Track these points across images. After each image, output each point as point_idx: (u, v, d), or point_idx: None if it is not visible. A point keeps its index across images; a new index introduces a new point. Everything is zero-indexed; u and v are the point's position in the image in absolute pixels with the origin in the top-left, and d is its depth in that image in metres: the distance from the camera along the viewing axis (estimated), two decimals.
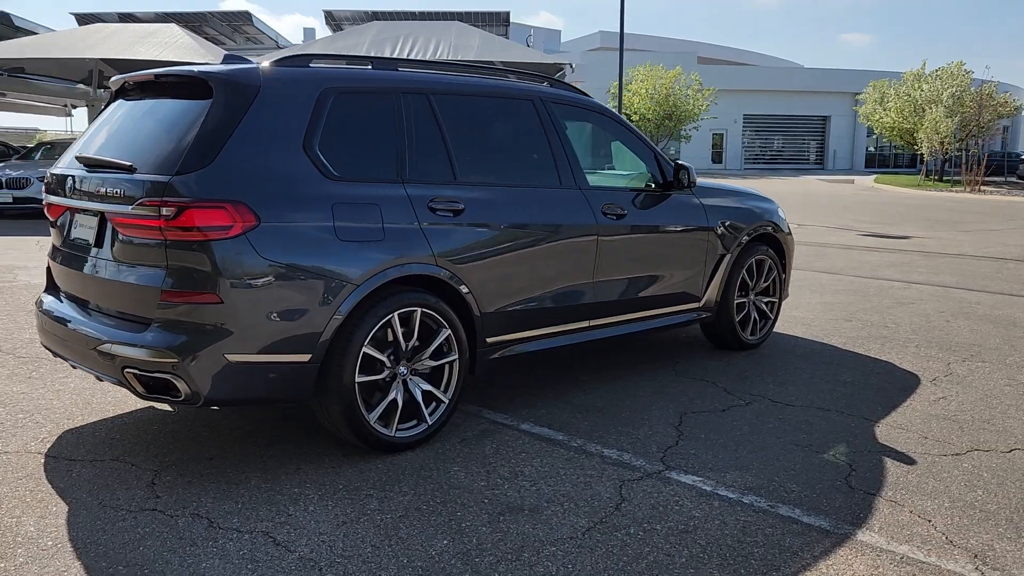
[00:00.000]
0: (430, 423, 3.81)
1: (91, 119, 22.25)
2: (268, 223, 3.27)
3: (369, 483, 3.42)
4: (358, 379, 3.51)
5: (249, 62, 3.73)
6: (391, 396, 3.66)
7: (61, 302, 3.85)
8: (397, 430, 3.68)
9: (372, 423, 3.58)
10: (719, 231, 5.38)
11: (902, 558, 2.87)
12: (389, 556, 2.84)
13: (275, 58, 3.69)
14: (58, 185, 3.81)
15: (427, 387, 3.80)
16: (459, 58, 18.30)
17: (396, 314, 3.62)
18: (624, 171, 5.81)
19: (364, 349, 3.51)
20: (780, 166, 51.72)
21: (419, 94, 3.95)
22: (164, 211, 3.17)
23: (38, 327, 3.93)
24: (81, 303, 3.73)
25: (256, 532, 3.00)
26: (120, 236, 3.42)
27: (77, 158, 3.75)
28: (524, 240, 4.18)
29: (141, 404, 4.33)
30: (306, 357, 3.37)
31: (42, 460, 3.64)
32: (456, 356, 3.88)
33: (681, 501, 3.28)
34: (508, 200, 4.18)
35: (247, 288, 3.22)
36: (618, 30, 25.35)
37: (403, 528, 3.04)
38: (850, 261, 10.41)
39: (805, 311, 7.06)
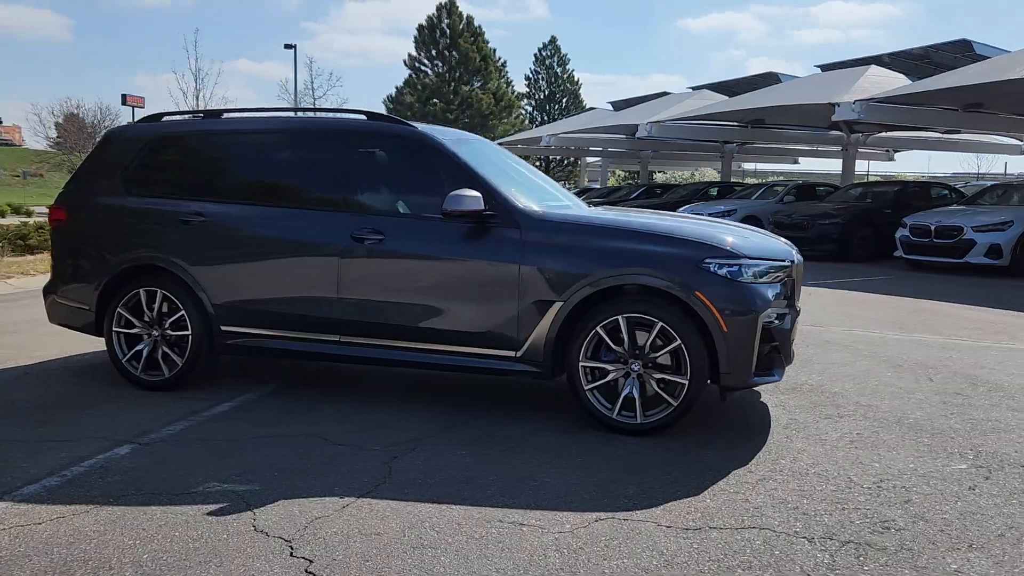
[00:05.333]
0: (167, 375, 5.13)
1: (845, 164, 23.64)
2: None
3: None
4: (114, 329, 5.22)
5: None
6: (141, 348, 5.18)
7: None
8: (144, 373, 5.18)
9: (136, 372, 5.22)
10: (544, 273, 4.45)
11: None
12: None
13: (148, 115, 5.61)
14: None
15: (167, 350, 5.14)
16: None
17: (142, 291, 5.14)
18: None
19: (119, 310, 5.20)
20: None
21: (214, 134, 5.23)
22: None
23: None
24: None
25: None
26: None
27: None
28: (260, 249, 4.94)
29: None
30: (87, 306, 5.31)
31: None
32: (190, 332, 5.07)
33: None
34: (253, 216, 4.99)
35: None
36: None
37: None
38: None
39: None
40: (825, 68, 23.45)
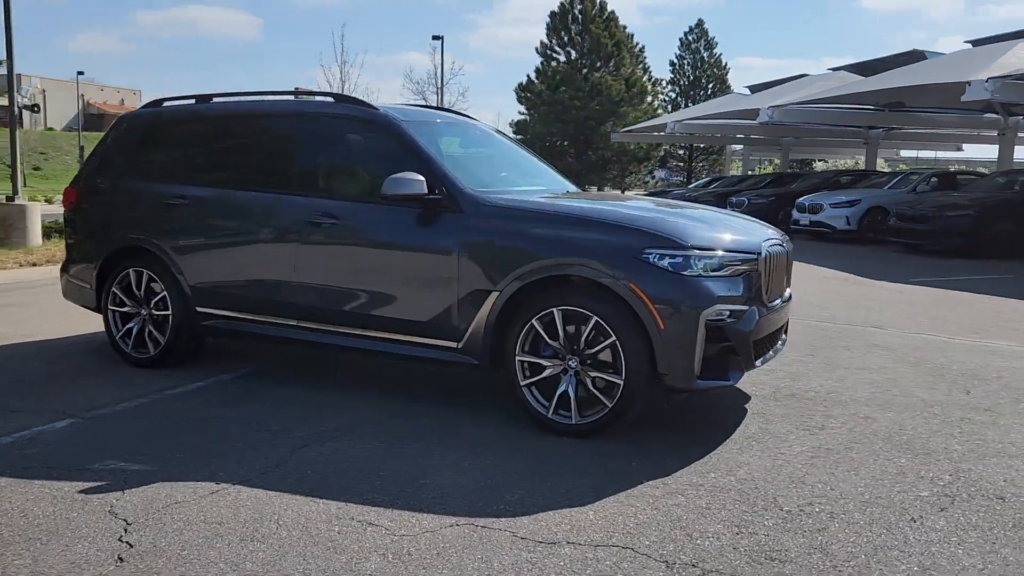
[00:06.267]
0: (151, 353, 5.30)
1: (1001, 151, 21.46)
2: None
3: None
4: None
5: None
6: (131, 326, 5.39)
7: None
8: (133, 350, 5.38)
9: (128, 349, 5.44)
10: (481, 261, 4.23)
11: None
12: None
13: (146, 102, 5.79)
14: None
15: (152, 329, 5.31)
16: None
17: (131, 271, 5.33)
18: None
19: (113, 289, 5.42)
20: None
21: (198, 120, 5.35)
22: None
23: None
24: None
25: None
26: None
27: None
28: (229, 233, 5.01)
29: None
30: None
31: None
32: (170, 312, 5.21)
33: None
34: (225, 199, 5.05)
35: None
36: None
37: None
38: None
39: None
40: (976, 43, 21.26)
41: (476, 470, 3.66)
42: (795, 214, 18.51)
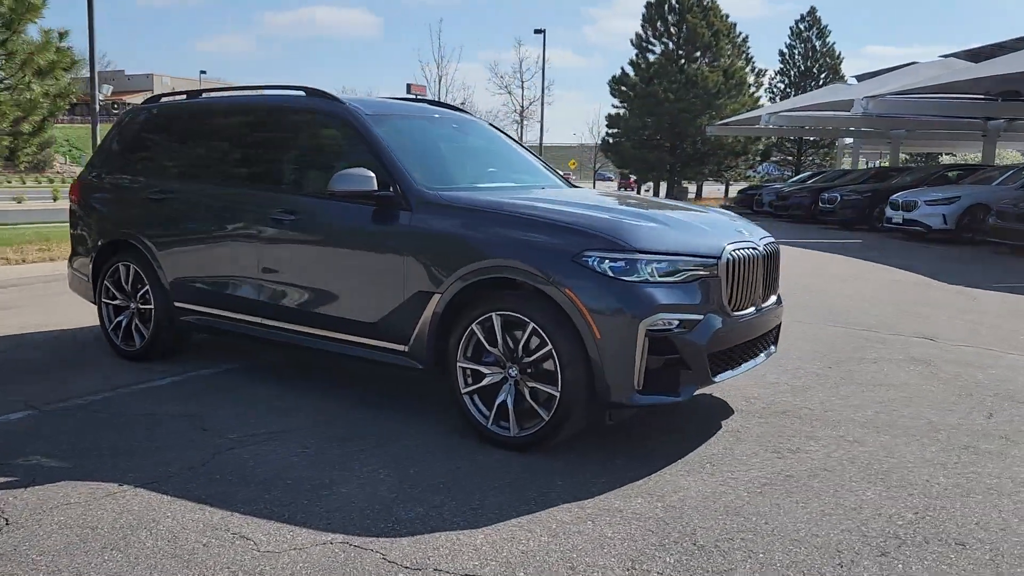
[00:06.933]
0: (137, 347, 5.35)
1: None
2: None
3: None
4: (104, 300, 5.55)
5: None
6: (120, 319, 5.45)
7: None
8: (122, 343, 5.45)
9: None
10: (425, 261, 4.01)
11: None
12: None
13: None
14: None
15: (138, 322, 5.36)
16: None
17: (120, 265, 5.40)
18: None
19: (105, 282, 5.50)
20: None
21: (183, 116, 5.35)
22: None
23: None
24: None
25: None
26: None
27: None
28: (203, 228, 4.98)
29: None
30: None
31: None
32: (152, 306, 5.24)
33: None
34: (200, 195, 5.02)
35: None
36: None
37: None
38: None
39: None
40: None
41: (388, 482, 3.46)
42: (888, 211, 17.36)
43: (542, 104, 38.00)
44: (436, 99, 5.97)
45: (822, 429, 4.23)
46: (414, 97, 5.54)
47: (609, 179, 69.47)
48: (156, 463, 3.64)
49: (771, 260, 4.24)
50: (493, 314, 3.81)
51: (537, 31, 36.27)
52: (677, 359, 3.65)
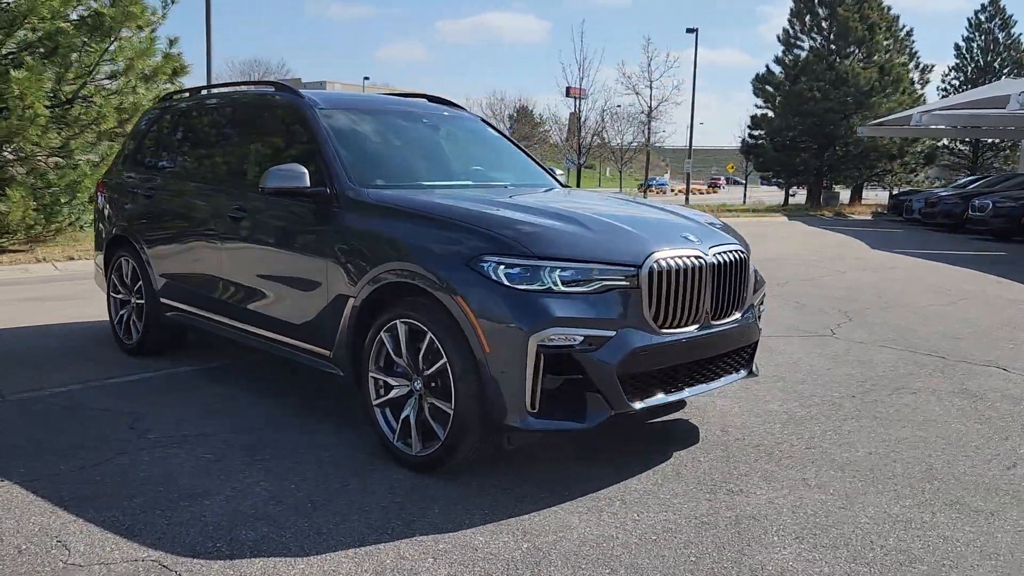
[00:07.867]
0: (133, 340, 5.46)
1: None
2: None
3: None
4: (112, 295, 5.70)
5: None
6: (123, 313, 5.58)
7: None
8: (123, 336, 5.58)
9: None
10: (343, 263, 3.78)
11: None
12: None
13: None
14: None
15: (134, 317, 5.46)
16: None
17: (122, 259, 5.53)
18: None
19: (111, 276, 5.66)
20: None
21: (180, 113, 5.42)
22: None
23: None
24: None
25: None
26: None
27: None
28: (179, 225, 5.00)
29: None
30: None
31: None
32: (144, 300, 5.33)
33: None
34: (181, 191, 5.04)
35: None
36: None
37: None
38: None
39: None
40: None
41: (258, 497, 3.26)
42: None
43: (692, 107, 36.88)
44: (438, 97, 5.68)
45: (786, 470, 3.64)
46: (413, 93, 5.27)
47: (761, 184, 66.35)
48: (55, 461, 3.62)
49: (727, 271, 3.68)
50: (398, 322, 3.53)
51: (689, 30, 35.24)
52: (581, 380, 3.22)
